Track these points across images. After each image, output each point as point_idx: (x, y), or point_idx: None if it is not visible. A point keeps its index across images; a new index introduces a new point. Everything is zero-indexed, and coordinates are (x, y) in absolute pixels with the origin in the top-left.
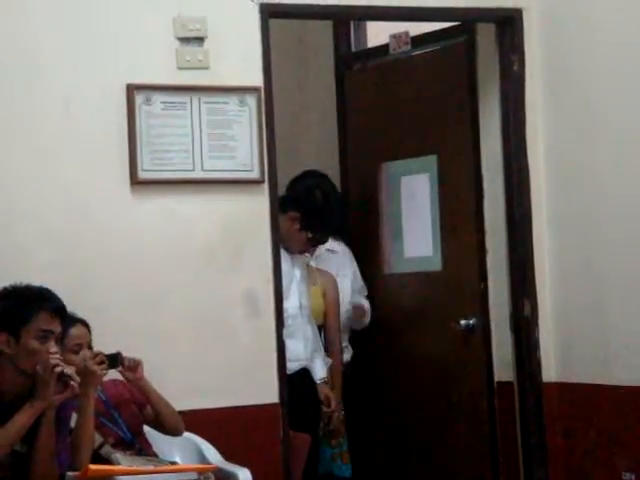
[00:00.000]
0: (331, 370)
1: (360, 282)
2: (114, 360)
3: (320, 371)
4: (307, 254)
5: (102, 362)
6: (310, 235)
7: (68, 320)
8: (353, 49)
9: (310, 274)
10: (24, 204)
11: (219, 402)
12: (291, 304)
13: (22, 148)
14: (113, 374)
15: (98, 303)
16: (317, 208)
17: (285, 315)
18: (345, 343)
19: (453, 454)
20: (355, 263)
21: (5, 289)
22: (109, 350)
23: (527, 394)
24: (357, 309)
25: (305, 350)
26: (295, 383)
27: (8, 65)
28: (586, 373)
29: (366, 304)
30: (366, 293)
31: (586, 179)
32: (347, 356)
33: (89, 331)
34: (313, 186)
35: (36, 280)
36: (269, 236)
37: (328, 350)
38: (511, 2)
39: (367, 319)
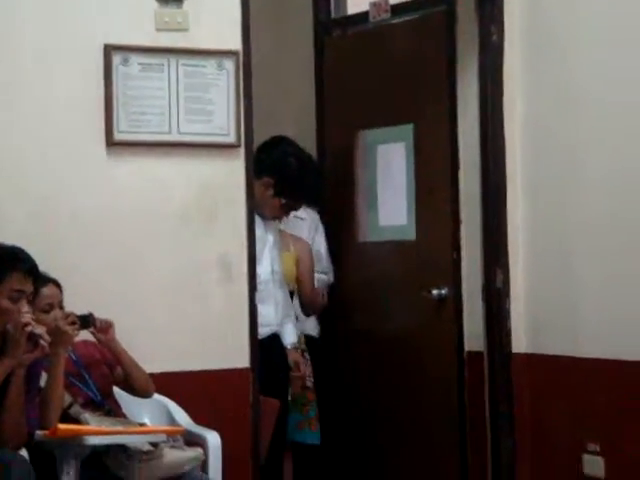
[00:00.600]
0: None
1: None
2: (86, 321)
3: (290, 336)
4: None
5: (74, 322)
6: (284, 201)
7: (40, 280)
8: (333, 15)
9: (284, 240)
10: (17, 173)
11: (190, 365)
12: (263, 269)
13: (13, 117)
14: (84, 335)
15: (71, 264)
16: (292, 174)
17: (257, 280)
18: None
19: (422, 422)
20: (323, 234)
21: None
22: (81, 311)
23: (496, 364)
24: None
25: (276, 315)
26: (265, 348)
27: None
28: (555, 344)
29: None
30: (330, 280)
31: (562, 150)
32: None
33: (60, 291)
34: (289, 153)
35: (10, 239)
36: (244, 201)
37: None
38: None
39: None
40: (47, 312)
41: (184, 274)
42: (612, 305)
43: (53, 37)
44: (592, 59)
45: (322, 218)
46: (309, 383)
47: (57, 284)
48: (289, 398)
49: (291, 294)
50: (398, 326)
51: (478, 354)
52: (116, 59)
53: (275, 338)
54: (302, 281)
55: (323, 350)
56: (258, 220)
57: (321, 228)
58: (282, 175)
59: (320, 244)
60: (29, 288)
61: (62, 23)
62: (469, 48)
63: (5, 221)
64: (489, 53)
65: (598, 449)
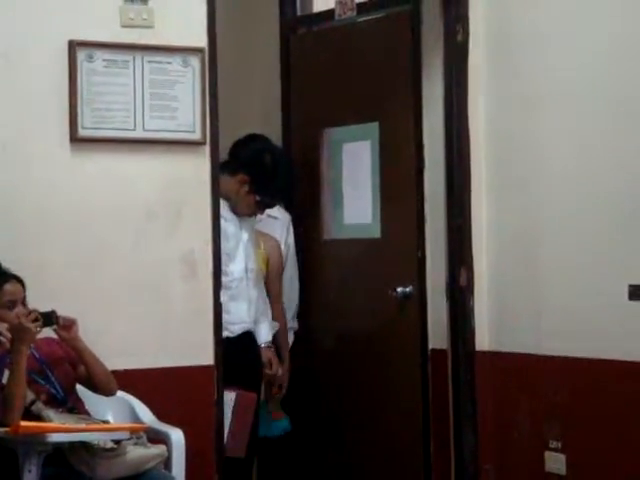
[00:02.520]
0: (278, 335)
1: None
2: (49, 318)
3: (264, 335)
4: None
5: (36, 319)
6: (259, 198)
7: (2, 276)
8: (298, 13)
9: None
10: None
11: (154, 362)
12: (237, 267)
13: None
14: (47, 332)
15: (35, 261)
16: (267, 172)
17: (230, 278)
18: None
19: (386, 419)
20: (292, 236)
21: None
22: (44, 308)
23: (460, 362)
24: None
25: (249, 313)
26: (237, 345)
27: None
28: (519, 342)
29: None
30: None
31: (526, 149)
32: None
33: (24, 288)
34: (263, 150)
35: None
36: (209, 198)
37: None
38: None
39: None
40: (9, 309)
41: (148, 271)
42: (575, 304)
43: (17, 33)
44: (555, 58)
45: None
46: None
47: (20, 281)
48: (261, 396)
49: None
50: (363, 324)
51: (442, 352)
52: (81, 55)
53: (247, 335)
54: (270, 280)
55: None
56: (233, 217)
57: (292, 229)
58: (257, 172)
59: (290, 245)
60: None
61: (26, 19)
62: (434, 47)
63: None
64: (454, 52)
65: (560, 446)
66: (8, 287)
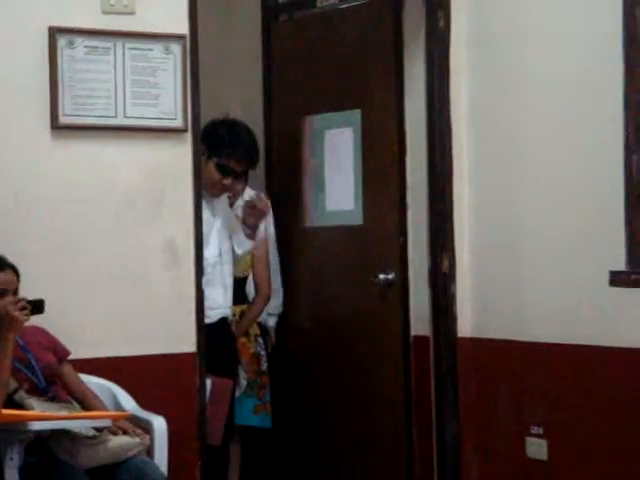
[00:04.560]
0: (248, 314)
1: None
2: (37, 307)
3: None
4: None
5: (24, 308)
6: (216, 160)
7: None
8: (280, 0)
9: (238, 226)
10: None
11: (136, 350)
12: (210, 252)
13: None
14: (35, 321)
15: (15, 248)
16: (220, 135)
17: (205, 264)
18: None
19: (368, 406)
20: (272, 223)
21: None
22: (26, 295)
23: (442, 348)
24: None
25: (225, 298)
26: (214, 332)
27: None
28: (501, 329)
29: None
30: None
31: (508, 136)
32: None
33: (18, 278)
34: (218, 120)
35: None
36: (191, 185)
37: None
38: None
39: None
40: (0, 297)
41: (130, 259)
42: (556, 290)
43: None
44: (538, 45)
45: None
46: (264, 367)
47: (15, 270)
48: (245, 383)
49: (244, 280)
50: (345, 311)
51: (424, 338)
52: (61, 42)
53: (224, 321)
54: (257, 266)
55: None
56: (204, 203)
57: (272, 216)
58: (212, 138)
59: (270, 233)
60: None
61: (5, 5)
62: (416, 34)
63: None
64: (436, 39)
65: (541, 432)
66: (1, 276)
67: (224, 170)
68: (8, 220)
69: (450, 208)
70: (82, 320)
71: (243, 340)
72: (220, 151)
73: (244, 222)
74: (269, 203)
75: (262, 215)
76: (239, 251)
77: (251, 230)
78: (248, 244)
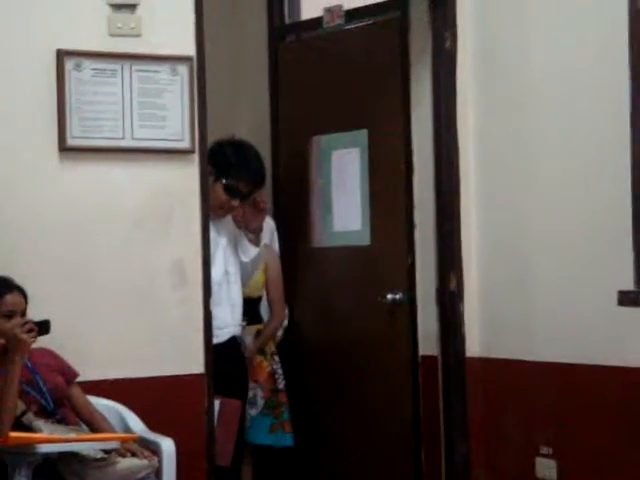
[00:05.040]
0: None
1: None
2: (44, 327)
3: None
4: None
5: (31, 330)
6: (224, 181)
7: (6, 286)
8: (287, 21)
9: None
10: None
11: (144, 371)
12: (216, 271)
13: None
14: (43, 342)
15: (25, 270)
16: (227, 155)
17: (211, 283)
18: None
19: (377, 426)
20: (277, 243)
21: None
22: (35, 317)
23: (450, 368)
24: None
25: (233, 317)
26: (223, 352)
27: None
28: (509, 349)
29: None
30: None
31: (515, 155)
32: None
33: (25, 300)
34: (224, 141)
35: None
36: (198, 206)
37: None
38: None
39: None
40: (8, 318)
41: (138, 279)
42: (565, 309)
43: (3, 42)
44: (543, 63)
45: (277, 224)
46: (281, 385)
47: (23, 293)
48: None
49: (258, 300)
50: (353, 331)
51: (432, 358)
52: (69, 64)
53: (233, 341)
54: (271, 287)
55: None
56: (210, 223)
57: (276, 236)
58: (219, 159)
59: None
60: None
61: (13, 28)
62: (422, 54)
63: None
64: (442, 59)
65: (551, 452)
66: (9, 298)
67: (231, 191)
68: (17, 241)
69: (457, 227)
70: (90, 341)
71: (259, 359)
72: (227, 172)
73: (246, 228)
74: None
75: (263, 213)
76: (246, 259)
77: (253, 232)
78: (253, 251)
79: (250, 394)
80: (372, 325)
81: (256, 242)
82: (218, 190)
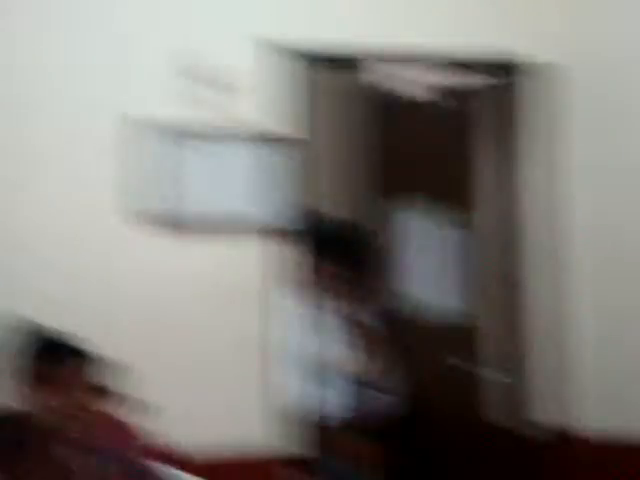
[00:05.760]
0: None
1: None
2: (138, 406)
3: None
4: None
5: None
6: (320, 260)
7: (60, 353)
8: (384, 94)
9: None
10: (41, 249)
11: (234, 449)
12: (303, 347)
13: (33, 193)
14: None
15: (105, 337)
16: (326, 233)
17: (301, 358)
18: None
19: None
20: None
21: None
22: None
23: (563, 448)
24: None
25: (334, 396)
26: (323, 432)
27: (5, 97)
28: (625, 427)
29: None
30: None
31: (630, 234)
32: None
33: (88, 364)
34: (321, 219)
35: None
36: (290, 284)
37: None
38: (552, 56)
39: None
40: (96, 392)
41: (227, 354)
42: None
43: (93, 109)
44: None
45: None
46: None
47: (83, 357)
48: None
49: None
50: (451, 410)
51: (545, 437)
52: (155, 135)
53: (332, 419)
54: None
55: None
56: (302, 298)
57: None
58: (313, 234)
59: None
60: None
61: (96, 97)
62: (529, 134)
63: (46, 302)
64: (549, 140)
65: None
66: (63, 371)
67: (326, 272)
68: (97, 309)
69: (566, 305)
70: (176, 417)
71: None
72: (324, 251)
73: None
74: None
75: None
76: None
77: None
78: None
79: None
80: (478, 407)
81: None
82: (314, 269)
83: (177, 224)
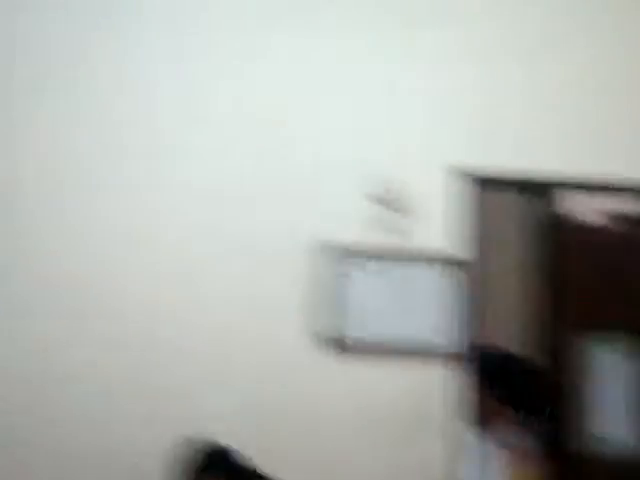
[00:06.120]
0: None
1: None
2: None
3: None
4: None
5: None
6: (494, 396)
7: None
8: (558, 215)
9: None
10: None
11: None
12: None
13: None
14: None
15: (278, 460)
16: (501, 368)
17: None
18: None
19: None
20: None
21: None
22: None
23: None
24: None
25: None
26: None
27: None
28: None
29: None
30: None
31: None
32: None
33: None
34: (495, 351)
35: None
36: (459, 414)
37: None
38: None
39: None
40: None
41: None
42: None
43: (269, 238)
44: None
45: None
46: None
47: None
48: None
49: None
50: None
51: None
52: (336, 259)
53: None
54: None
55: None
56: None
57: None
58: (485, 365)
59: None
60: None
61: (277, 219)
62: None
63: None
64: None
65: None
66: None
67: (503, 406)
68: (274, 432)
69: None
70: None
71: None
72: (498, 387)
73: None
74: None
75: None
76: None
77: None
78: None
79: None
80: None
81: None
82: (494, 406)
83: (362, 349)
